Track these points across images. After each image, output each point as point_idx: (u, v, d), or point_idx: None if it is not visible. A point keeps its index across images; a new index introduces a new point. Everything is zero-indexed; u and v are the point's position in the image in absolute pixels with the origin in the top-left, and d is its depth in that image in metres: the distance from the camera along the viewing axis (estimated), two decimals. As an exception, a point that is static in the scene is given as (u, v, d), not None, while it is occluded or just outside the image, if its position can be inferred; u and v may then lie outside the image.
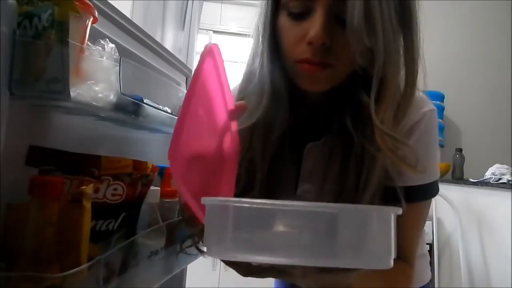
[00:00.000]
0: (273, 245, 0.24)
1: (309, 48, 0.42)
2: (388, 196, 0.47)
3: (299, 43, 0.43)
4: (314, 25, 0.41)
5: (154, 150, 0.76)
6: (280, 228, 0.24)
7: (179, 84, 0.91)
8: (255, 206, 0.24)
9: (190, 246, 0.50)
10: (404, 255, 0.51)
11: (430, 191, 0.52)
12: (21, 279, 0.36)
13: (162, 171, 0.63)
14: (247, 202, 0.25)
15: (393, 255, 0.25)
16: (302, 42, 0.43)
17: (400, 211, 0.26)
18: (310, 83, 0.45)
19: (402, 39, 0.44)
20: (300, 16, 0.43)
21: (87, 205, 0.41)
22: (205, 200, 0.27)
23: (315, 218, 0.24)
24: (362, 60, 0.41)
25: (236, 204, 0.25)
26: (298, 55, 0.43)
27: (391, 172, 0.45)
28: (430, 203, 0.55)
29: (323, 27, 0.40)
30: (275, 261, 0.24)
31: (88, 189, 0.42)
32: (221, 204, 0.26)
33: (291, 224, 0.24)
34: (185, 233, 0.52)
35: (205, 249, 0.52)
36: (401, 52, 0.44)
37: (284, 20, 0.45)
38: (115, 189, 0.47)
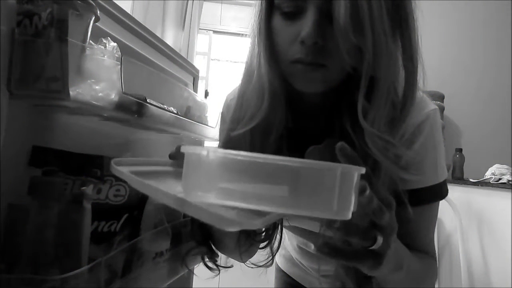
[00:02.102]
0: (243, 192, 0.26)
1: (302, 48, 0.42)
2: (400, 200, 0.46)
3: (292, 43, 0.43)
4: (306, 24, 0.40)
5: (161, 151, 0.75)
6: (251, 178, 0.26)
7: (186, 84, 0.90)
8: (229, 156, 0.26)
9: (194, 254, 0.51)
10: (427, 250, 0.53)
11: (443, 189, 0.53)
12: (20, 281, 0.35)
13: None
14: (221, 152, 0.26)
15: (351, 209, 0.27)
16: (295, 42, 0.42)
17: (363, 170, 0.28)
18: (304, 84, 0.45)
19: (399, 40, 0.43)
20: (293, 15, 0.43)
21: (88, 206, 0.41)
22: (184, 148, 0.29)
23: (281, 171, 0.26)
24: (352, 59, 0.40)
25: (211, 154, 0.27)
26: (292, 55, 0.43)
27: (394, 176, 0.45)
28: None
29: (314, 26, 0.40)
30: (245, 206, 0.26)
31: (88, 189, 0.41)
32: (197, 153, 0.28)
33: (261, 175, 0.26)
34: (190, 245, 0.52)
35: (212, 264, 0.52)
36: (398, 52, 0.43)
37: (277, 21, 0.44)
38: (118, 190, 0.47)
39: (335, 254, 0.33)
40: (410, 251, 0.48)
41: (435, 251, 0.54)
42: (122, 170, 0.31)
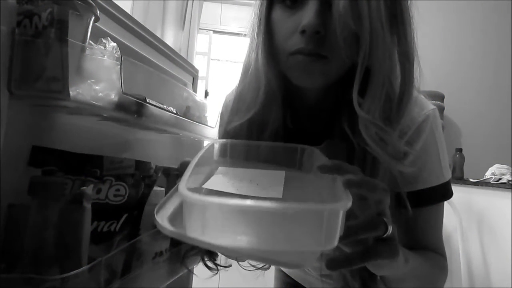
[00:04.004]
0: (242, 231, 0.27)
1: (302, 38, 0.41)
2: (405, 201, 0.46)
3: (292, 34, 0.42)
4: (308, 13, 0.40)
5: (160, 151, 0.76)
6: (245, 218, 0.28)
7: (185, 84, 0.90)
8: (224, 203, 0.27)
9: (193, 254, 0.51)
10: (436, 249, 0.53)
11: (450, 188, 0.53)
12: (21, 280, 0.35)
13: (168, 172, 0.62)
14: (216, 202, 0.27)
15: (338, 237, 0.29)
16: (296, 34, 0.42)
17: (349, 205, 0.28)
18: (303, 76, 0.44)
19: (395, 35, 0.43)
20: (293, 6, 0.43)
21: (87, 205, 0.41)
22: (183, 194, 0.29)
23: (275, 216, 0.27)
24: (348, 49, 0.40)
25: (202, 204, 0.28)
26: (291, 47, 0.43)
27: (393, 170, 0.45)
28: None
29: (316, 14, 0.40)
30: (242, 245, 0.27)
31: (88, 189, 0.41)
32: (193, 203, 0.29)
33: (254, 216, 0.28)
34: (190, 245, 0.52)
35: (211, 264, 0.53)
36: (394, 46, 0.43)
37: (278, 13, 0.44)
38: (118, 190, 0.47)
39: (348, 262, 0.32)
40: (420, 251, 0.48)
41: (444, 249, 0.54)
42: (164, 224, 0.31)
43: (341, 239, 0.30)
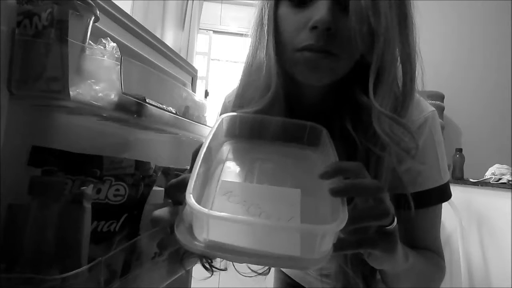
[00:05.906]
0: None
1: (312, 35, 0.41)
2: (409, 200, 0.46)
3: (301, 30, 0.42)
4: (320, 9, 0.40)
5: (160, 151, 0.76)
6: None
7: (184, 84, 0.90)
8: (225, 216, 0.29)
9: (192, 255, 0.51)
10: (434, 250, 0.53)
11: (448, 190, 0.53)
12: (21, 280, 0.35)
13: (167, 172, 0.63)
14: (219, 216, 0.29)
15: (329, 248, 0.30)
16: (304, 30, 0.42)
17: (340, 226, 0.29)
18: (310, 73, 0.43)
19: (400, 36, 0.43)
20: (302, 3, 0.42)
21: (87, 205, 0.41)
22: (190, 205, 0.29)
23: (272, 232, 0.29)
24: (362, 45, 0.40)
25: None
26: (300, 42, 0.42)
27: (399, 173, 0.45)
28: None
29: (328, 11, 0.40)
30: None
31: (88, 189, 0.41)
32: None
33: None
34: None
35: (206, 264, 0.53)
36: (397, 48, 0.43)
37: (285, 9, 0.44)
38: (117, 190, 0.47)
39: (342, 246, 0.33)
40: (419, 250, 0.48)
41: (442, 250, 0.54)
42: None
43: (346, 225, 0.30)
